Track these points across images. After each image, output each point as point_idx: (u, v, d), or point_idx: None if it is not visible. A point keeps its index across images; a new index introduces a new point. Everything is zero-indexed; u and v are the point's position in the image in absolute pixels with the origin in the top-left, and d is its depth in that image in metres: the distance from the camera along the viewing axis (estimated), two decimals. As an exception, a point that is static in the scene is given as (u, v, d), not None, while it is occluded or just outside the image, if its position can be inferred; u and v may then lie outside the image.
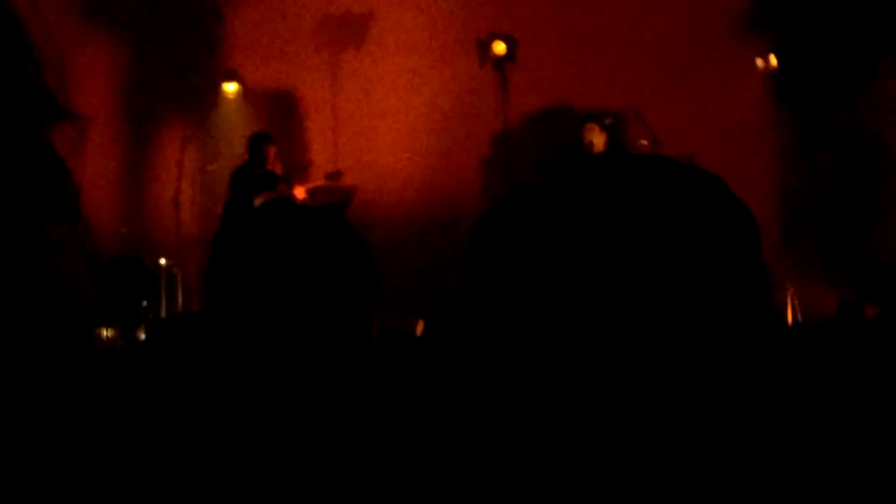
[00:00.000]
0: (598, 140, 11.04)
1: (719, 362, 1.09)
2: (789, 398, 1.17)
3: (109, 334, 10.14)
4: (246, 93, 13.34)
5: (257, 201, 10.12)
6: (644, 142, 11.14)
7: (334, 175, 12.15)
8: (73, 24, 13.47)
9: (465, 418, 1.15)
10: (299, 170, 12.29)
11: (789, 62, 11.59)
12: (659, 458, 1.09)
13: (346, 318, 1.92)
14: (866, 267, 8.43)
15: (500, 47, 12.38)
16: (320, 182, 12.02)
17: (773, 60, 11.66)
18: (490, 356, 1.12)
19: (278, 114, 13.37)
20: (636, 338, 1.08)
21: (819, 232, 11.69)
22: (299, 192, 11.79)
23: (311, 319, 1.90)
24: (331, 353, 1.91)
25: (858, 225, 11.57)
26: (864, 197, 11.75)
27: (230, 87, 13.24)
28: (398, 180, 13.06)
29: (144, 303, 10.89)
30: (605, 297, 1.08)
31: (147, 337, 9.67)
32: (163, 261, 11.44)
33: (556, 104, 12.75)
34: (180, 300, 11.36)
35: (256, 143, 11.15)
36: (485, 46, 12.41)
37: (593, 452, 1.08)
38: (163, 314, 11.11)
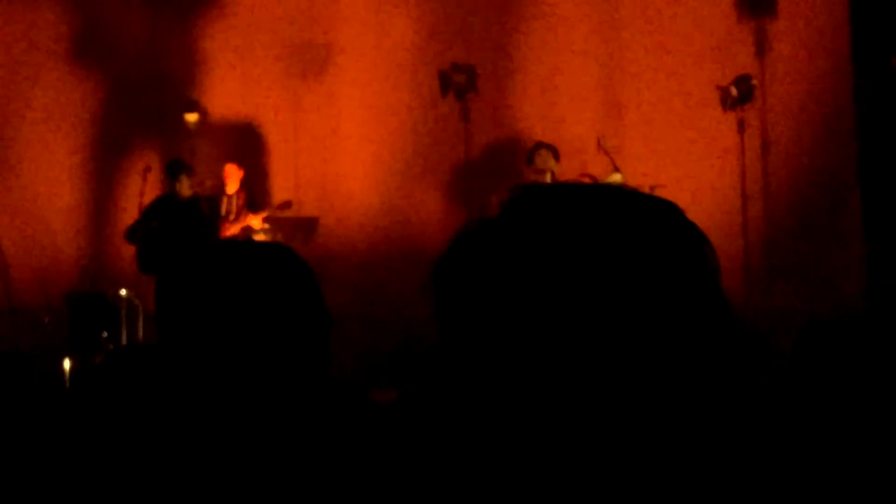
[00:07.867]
0: (552, 165, 11.27)
1: (678, 386, 1.10)
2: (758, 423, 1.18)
3: (70, 366, 10.08)
4: (208, 122, 13.30)
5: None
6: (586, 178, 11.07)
7: (284, 205, 12.17)
8: (32, 52, 13.43)
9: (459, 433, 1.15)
10: (261, 200, 12.29)
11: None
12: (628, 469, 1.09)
13: (301, 340, 1.99)
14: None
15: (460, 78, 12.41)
16: (269, 212, 12.03)
17: (734, 90, 11.72)
18: (466, 392, 1.12)
19: (241, 143, 13.35)
20: (601, 367, 1.08)
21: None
22: (255, 222, 11.80)
23: (266, 345, 1.95)
24: (291, 372, 1.96)
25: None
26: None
27: (192, 117, 13.19)
28: (360, 210, 13.04)
29: (105, 334, 10.88)
30: (570, 324, 1.08)
31: (78, 370, 9.62)
32: (123, 292, 11.38)
33: (517, 134, 12.78)
34: (141, 331, 11.30)
35: (173, 171, 11.51)
36: (446, 77, 12.42)
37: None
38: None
